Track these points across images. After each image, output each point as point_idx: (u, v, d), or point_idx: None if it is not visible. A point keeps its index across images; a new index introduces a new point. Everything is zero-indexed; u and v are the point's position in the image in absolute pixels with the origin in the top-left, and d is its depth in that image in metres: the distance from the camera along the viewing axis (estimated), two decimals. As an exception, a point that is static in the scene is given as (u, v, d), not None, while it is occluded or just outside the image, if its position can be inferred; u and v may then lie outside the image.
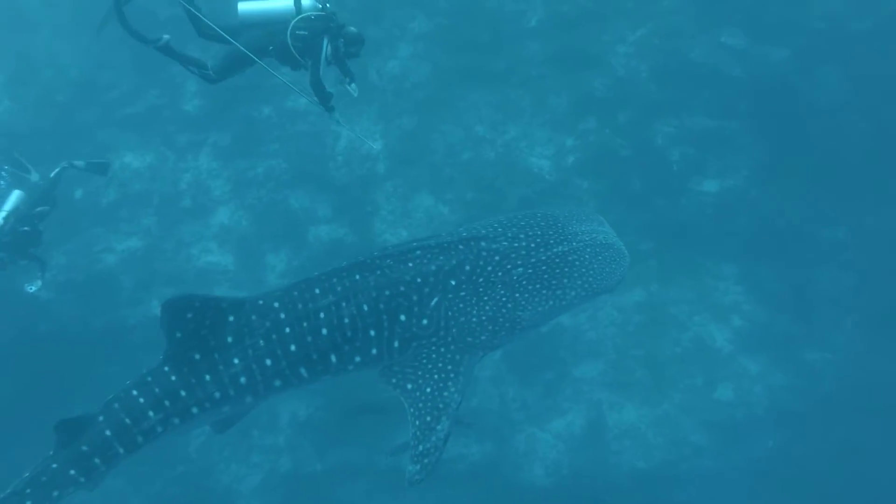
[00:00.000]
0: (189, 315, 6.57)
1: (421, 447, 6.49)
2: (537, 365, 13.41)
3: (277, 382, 6.88)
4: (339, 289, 6.88)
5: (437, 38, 15.89)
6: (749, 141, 14.00)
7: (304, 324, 6.80)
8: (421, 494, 12.87)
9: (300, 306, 6.83)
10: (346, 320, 6.83)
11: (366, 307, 6.86)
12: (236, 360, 6.73)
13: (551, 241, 7.34)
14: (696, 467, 12.57)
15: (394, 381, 6.89)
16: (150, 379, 6.72)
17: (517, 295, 7.04)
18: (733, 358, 13.05)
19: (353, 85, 10.42)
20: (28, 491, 6.46)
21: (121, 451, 6.67)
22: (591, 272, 7.24)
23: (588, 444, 12.90)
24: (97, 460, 6.62)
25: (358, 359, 6.97)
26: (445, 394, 6.69)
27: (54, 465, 6.55)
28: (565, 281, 7.14)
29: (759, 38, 14.49)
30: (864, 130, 13.54)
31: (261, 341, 6.74)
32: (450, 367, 6.83)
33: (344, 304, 6.84)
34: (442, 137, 15.14)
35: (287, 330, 6.79)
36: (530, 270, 7.13)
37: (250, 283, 14.17)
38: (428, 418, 6.59)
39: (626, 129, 14.48)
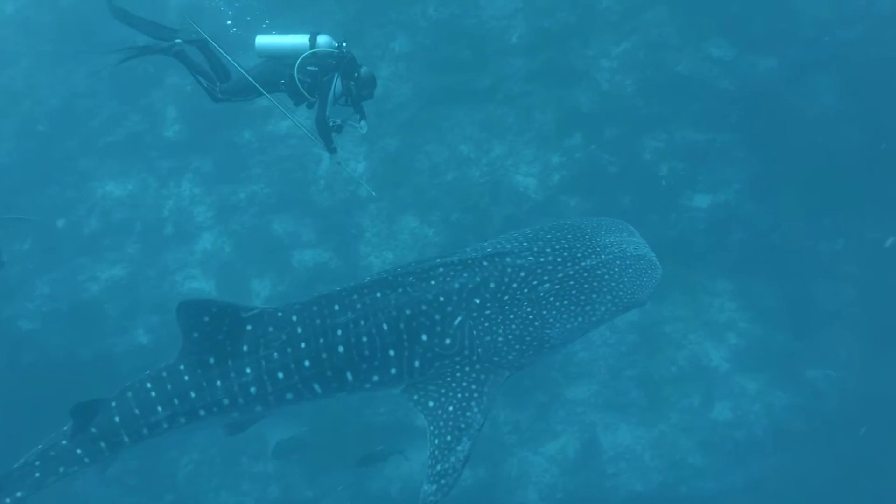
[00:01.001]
0: (206, 319, 6.28)
1: (439, 467, 5.99)
2: (528, 386, 12.79)
3: (289, 395, 6.48)
4: (358, 306, 6.42)
5: (418, 57, 15.03)
6: (740, 154, 13.04)
7: (321, 340, 6.37)
8: (414, 520, 12.12)
9: (318, 321, 6.39)
10: (365, 339, 6.37)
11: (385, 326, 6.38)
12: (248, 370, 6.39)
13: (579, 255, 6.65)
14: (696, 489, 12.05)
15: (416, 397, 6.40)
16: (164, 374, 6.50)
17: (544, 312, 6.40)
18: (730, 376, 12.44)
19: (362, 122, 9.61)
20: (37, 463, 6.43)
21: (125, 439, 6.47)
22: (622, 286, 6.53)
23: (583, 467, 12.36)
24: (103, 444, 6.44)
25: (376, 378, 6.46)
26: (468, 414, 6.17)
27: (64, 442, 6.43)
28: (594, 296, 6.45)
29: (746, 49, 13.46)
30: (858, 139, 12.57)
31: (275, 354, 6.37)
32: (474, 387, 6.30)
33: (363, 321, 6.38)
34: (426, 158, 14.42)
35: (303, 345, 6.38)
36: (557, 286, 6.47)
37: (235, 311, 13.42)
38: (448, 437, 6.10)
39: (613, 145, 13.55)
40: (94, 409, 6.39)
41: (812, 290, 12.37)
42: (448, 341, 6.38)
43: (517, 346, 6.35)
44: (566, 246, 6.71)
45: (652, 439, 12.33)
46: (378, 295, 6.42)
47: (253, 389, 6.39)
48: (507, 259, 6.56)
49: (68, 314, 13.90)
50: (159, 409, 6.40)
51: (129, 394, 6.45)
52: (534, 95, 14.32)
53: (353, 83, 9.03)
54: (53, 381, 12.56)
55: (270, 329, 6.39)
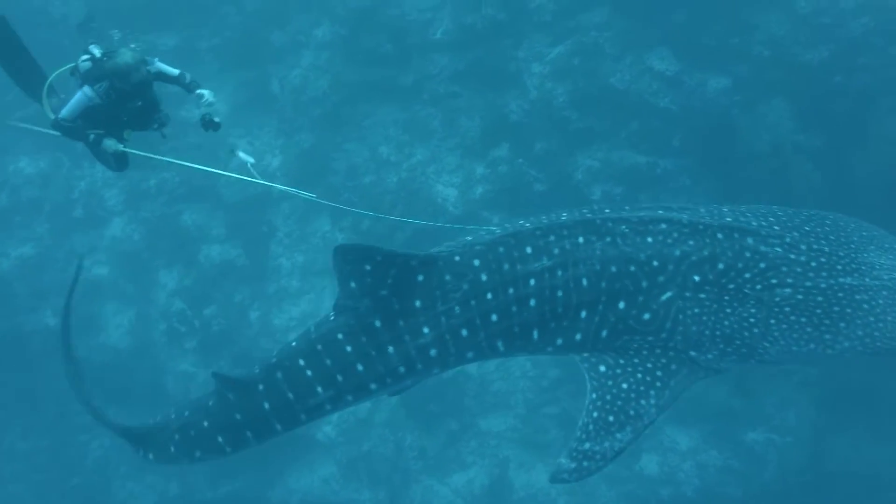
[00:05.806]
0: (368, 267, 3.66)
1: (588, 445, 3.47)
2: (438, 412, 9.57)
3: (470, 354, 3.88)
4: (556, 251, 3.70)
5: (339, 47, 10.20)
6: (686, 183, 8.58)
7: (511, 290, 3.71)
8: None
9: (506, 267, 3.73)
10: (560, 293, 3.69)
11: (585, 281, 3.69)
12: (426, 330, 3.73)
13: (839, 267, 3.65)
14: (614, 543, 8.68)
15: (586, 354, 3.75)
16: (319, 348, 3.84)
17: (772, 321, 3.53)
18: (660, 428, 8.47)
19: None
20: (177, 437, 4.05)
21: (278, 427, 3.97)
22: (882, 324, 3.49)
23: (490, 504, 8.36)
24: (249, 433, 3.98)
25: (560, 341, 3.80)
26: (643, 401, 3.53)
27: (206, 424, 4.03)
28: (842, 325, 3.52)
29: (693, 63, 8.85)
30: (815, 177, 7.83)
31: (456, 308, 3.72)
32: (659, 374, 3.60)
33: (560, 272, 3.68)
34: (345, 157, 10.32)
35: (489, 296, 3.72)
36: (800, 296, 3.55)
37: (141, 300, 10.24)
38: (611, 418, 3.52)
39: (543, 160, 9.12)
40: (237, 388, 3.93)
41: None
42: (647, 316, 3.66)
43: (721, 346, 3.61)
44: (826, 250, 3.74)
45: (569, 485, 7.87)
46: (580, 240, 3.70)
47: (433, 352, 3.76)
48: (749, 240, 3.65)
49: (-22, 288, 10.78)
50: (319, 389, 3.83)
51: (280, 374, 3.89)
52: (460, 98, 9.94)
53: (114, 83, 5.25)
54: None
55: (448, 277, 3.72)
